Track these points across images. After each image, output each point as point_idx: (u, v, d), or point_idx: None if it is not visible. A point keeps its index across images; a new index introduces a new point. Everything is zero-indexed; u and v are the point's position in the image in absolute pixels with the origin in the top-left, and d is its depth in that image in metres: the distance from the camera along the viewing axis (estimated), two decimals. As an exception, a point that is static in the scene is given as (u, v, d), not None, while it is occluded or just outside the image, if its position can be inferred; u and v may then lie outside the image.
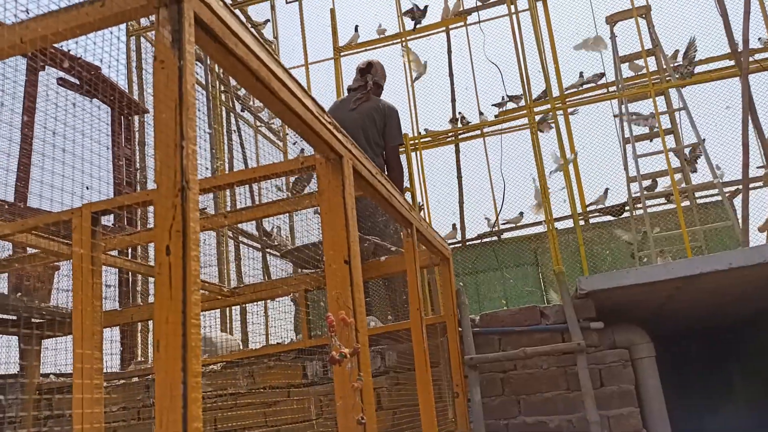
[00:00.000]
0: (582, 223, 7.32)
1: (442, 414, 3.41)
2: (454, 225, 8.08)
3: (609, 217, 7.73)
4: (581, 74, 8.01)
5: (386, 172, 4.65)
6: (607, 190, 7.63)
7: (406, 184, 5.45)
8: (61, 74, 4.32)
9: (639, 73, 7.45)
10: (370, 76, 4.89)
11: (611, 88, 7.71)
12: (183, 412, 1.09)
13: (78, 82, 4.43)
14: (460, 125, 8.21)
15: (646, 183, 6.95)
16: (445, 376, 3.62)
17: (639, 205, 6.68)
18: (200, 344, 1.16)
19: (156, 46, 1.20)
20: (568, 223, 7.49)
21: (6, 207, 3.75)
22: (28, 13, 1.36)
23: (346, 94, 5.12)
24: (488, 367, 3.68)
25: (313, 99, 1.82)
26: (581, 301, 3.64)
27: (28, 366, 4.06)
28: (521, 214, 8.00)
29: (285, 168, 2.21)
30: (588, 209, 7.63)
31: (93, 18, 1.27)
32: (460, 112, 8.30)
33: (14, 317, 3.84)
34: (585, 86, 8.07)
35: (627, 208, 7.27)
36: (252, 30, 1.49)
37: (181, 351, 1.11)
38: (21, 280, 3.80)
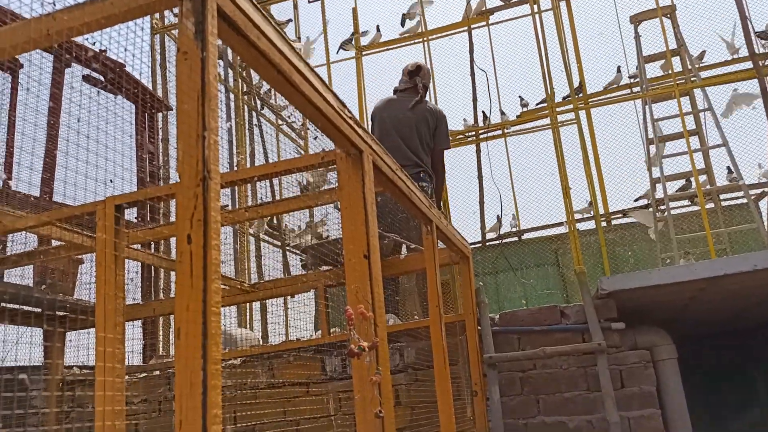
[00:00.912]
0: (604, 224, 7.25)
1: (460, 412, 3.40)
2: (498, 216, 8.03)
3: (632, 219, 7.64)
4: (619, 69, 7.86)
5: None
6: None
7: None
8: (87, 71, 4.39)
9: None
10: (419, 78, 5.04)
11: (635, 89, 7.63)
12: (203, 398, 1.10)
13: (103, 80, 4.49)
14: (481, 124, 8.18)
15: (680, 183, 6.87)
16: (464, 374, 3.61)
17: (663, 207, 6.61)
18: (220, 332, 1.17)
19: (179, 38, 1.21)
20: (591, 224, 7.44)
21: (32, 200, 3.81)
22: (54, 5, 1.38)
23: (391, 94, 5.23)
24: (507, 366, 3.67)
25: (334, 94, 1.83)
26: (602, 302, 3.61)
27: (52, 358, 4.13)
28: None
29: (305, 163, 2.22)
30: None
31: (119, 9, 1.29)
32: (483, 111, 8.26)
33: (38, 310, 3.91)
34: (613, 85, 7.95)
35: (651, 209, 7.19)
36: (274, 23, 1.50)
37: (201, 338, 1.12)
38: (45, 273, 3.86)
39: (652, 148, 6.70)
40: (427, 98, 5.13)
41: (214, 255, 1.16)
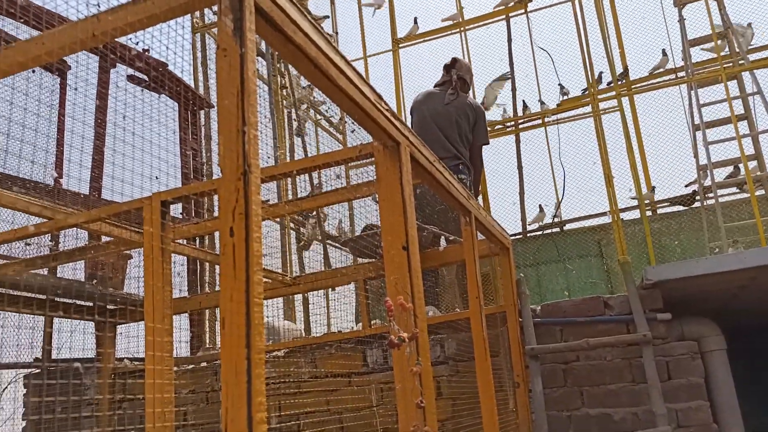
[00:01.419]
0: (649, 213, 7.10)
1: (502, 404, 3.39)
2: (540, 206, 7.94)
3: (679, 207, 7.46)
4: (664, 52, 7.65)
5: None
6: (654, 188, 7.36)
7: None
8: (131, 71, 4.50)
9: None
10: (454, 71, 5.10)
11: (680, 74, 7.43)
12: (247, 386, 1.13)
13: (147, 79, 4.60)
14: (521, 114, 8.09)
15: (728, 170, 6.68)
16: (506, 366, 3.59)
17: (711, 195, 6.44)
18: (263, 322, 1.19)
19: (218, 35, 1.24)
20: (635, 214, 7.29)
21: (81, 198, 3.93)
22: (99, 7, 1.43)
23: (431, 88, 5.27)
24: (550, 358, 3.64)
25: (370, 86, 1.84)
26: (648, 292, 3.55)
27: (104, 351, 4.27)
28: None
29: (343, 156, 2.24)
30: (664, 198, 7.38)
31: (160, 9, 1.32)
32: (523, 100, 8.16)
33: (90, 304, 4.04)
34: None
35: (698, 197, 7.01)
36: (310, 18, 1.52)
37: (244, 328, 1.15)
38: (96, 268, 3.99)
39: (699, 134, 6.52)
40: (470, 93, 5.17)
41: (256, 247, 1.19)
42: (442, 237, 3.92)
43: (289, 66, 7.01)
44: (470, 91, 5.40)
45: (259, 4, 1.29)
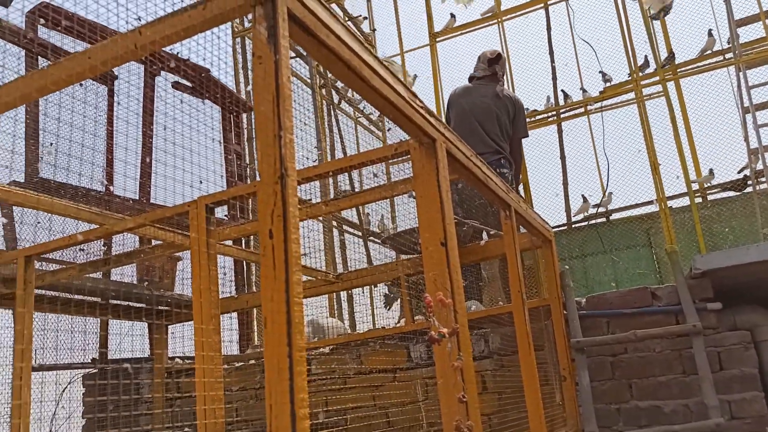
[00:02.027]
0: (699, 200, 6.91)
1: (548, 397, 3.37)
2: (584, 196, 7.81)
3: (731, 193, 7.24)
4: (710, 32, 7.42)
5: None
6: (711, 170, 7.13)
7: None
8: (175, 79, 4.62)
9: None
10: (498, 67, 5.08)
11: (727, 55, 7.20)
12: (290, 383, 1.16)
13: (190, 85, 4.71)
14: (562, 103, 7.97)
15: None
16: (551, 359, 3.57)
17: (763, 179, 6.24)
18: (303, 321, 1.23)
19: (253, 42, 1.28)
20: (684, 201, 7.10)
21: (130, 203, 4.06)
22: (139, 20, 1.49)
23: (467, 82, 5.26)
24: (596, 351, 3.60)
25: (404, 85, 1.86)
26: (697, 281, 3.47)
27: (158, 351, 4.40)
28: (609, 195, 7.65)
29: (380, 154, 2.27)
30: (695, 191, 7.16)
31: (196, 20, 1.37)
32: (562, 90, 8.04)
33: (144, 305, 4.18)
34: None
35: (749, 182, 6.79)
36: (343, 21, 1.55)
37: (285, 327, 1.18)
38: (147, 271, 4.12)
39: (749, 117, 6.32)
40: (506, 86, 5.15)
41: (294, 248, 1.22)
42: (484, 231, 3.91)
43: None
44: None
45: (292, 11, 1.32)
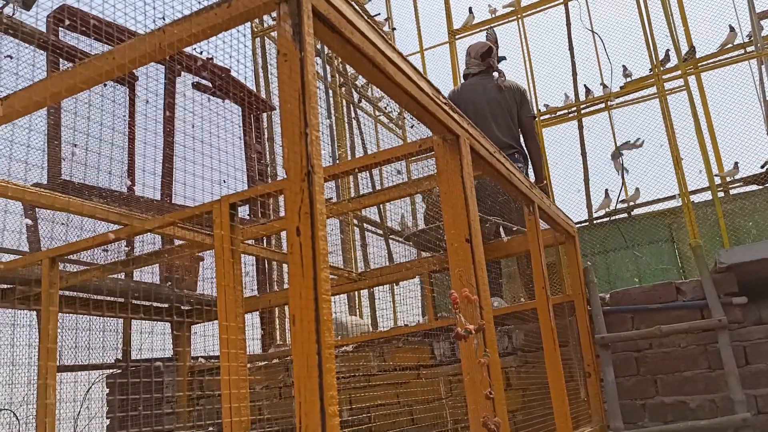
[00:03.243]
0: (721, 194, 6.82)
1: (573, 394, 3.35)
2: (606, 191, 7.71)
3: (753, 187, 7.13)
4: (732, 27, 7.29)
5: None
6: (736, 163, 7.01)
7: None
8: (196, 79, 4.65)
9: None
10: (491, 59, 4.98)
11: (749, 49, 7.09)
12: (319, 380, 1.16)
13: (211, 86, 4.74)
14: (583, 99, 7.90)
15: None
16: (576, 355, 3.54)
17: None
18: (332, 318, 1.22)
19: (278, 41, 1.28)
20: (707, 195, 7.01)
21: (154, 204, 4.10)
22: (164, 20, 1.50)
23: (462, 80, 5.17)
24: (621, 347, 3.56)
25: (428, 81, 1.85)
26: (721, 276, 3.43)
27: (181, 350, 4.44)
28: (637, 189, 7.56)
29: (403, 151, 2.26)
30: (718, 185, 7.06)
31: (221, 18, 1.37)
32: (584, 85, 7.97)
33: (166, 305, 4.22)
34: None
35: (773, 176, 6.69)
36: (366, 17, 1.55)
37: (314, 324, 1.18)
38: (170, 271, 4.15)
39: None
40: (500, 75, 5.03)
41: (322, 245, 1.22)
42: (501, 228, 3.87)
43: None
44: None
45: (317, 8, 1.32)
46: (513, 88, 4.87)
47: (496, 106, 4.73)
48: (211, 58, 3.91)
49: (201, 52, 3.75)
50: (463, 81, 5.17)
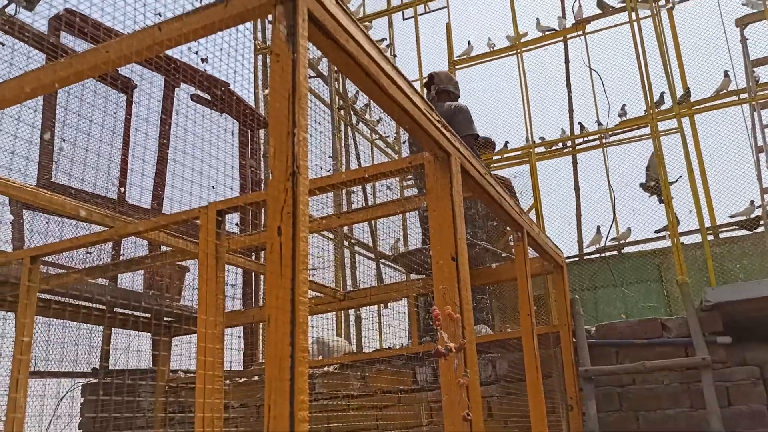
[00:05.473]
0: (711, 237, 6.84)
1: (555, 426, 3.31)
2: (598, 228, 7.73)
3: (742, 232, 7.16)
4: (726, 73, 7.39)
5: None
6: (753, 202, 7.03)
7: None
8: (195, 91, 4.66)
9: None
10: (434, 87, 5.02)
11: (742, 95, 7.19)
12: (290, 383, 1.13)
13: (209, 99, 4.76)
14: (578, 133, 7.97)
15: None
16: (559, 387, 3.51)
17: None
18: (308, 321, 1.20)
19: (272, 41, 1.28)
20: (696, 238, 7.03)
21: (142, 211, 4.07)
22: (161, 17, 1.50)
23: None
24: (605, 380, 3.53)
25: (421, 97, 1.85)
26: (707, 314, 3.42)
27: (160, 362, 4.38)
28: (628, 229, 7.60)
29: (394, 167, 2.26)
30: (731, 220, 7.08)
31: (216, 18, 1.37)
32: (579, 122, 8.04)
33: (148, 315, 4.16)
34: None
35: (762, 222, 6.72)
36: (362, 27, 1.55)
37: (289, 326, 1.16)
38: (154, 278, 4.11)
39: (762, 156, 6.29)
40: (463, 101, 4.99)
41: (303, 246, 1.20)
42: (488, 256, 3.85)
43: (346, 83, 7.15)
44: (459, 99, 5.09)
45: (313, 12, 1.33)
46: (449, 111, 4.67)
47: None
48: (205, 59, 3.92)
49: (197, 52, 3.75)
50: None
